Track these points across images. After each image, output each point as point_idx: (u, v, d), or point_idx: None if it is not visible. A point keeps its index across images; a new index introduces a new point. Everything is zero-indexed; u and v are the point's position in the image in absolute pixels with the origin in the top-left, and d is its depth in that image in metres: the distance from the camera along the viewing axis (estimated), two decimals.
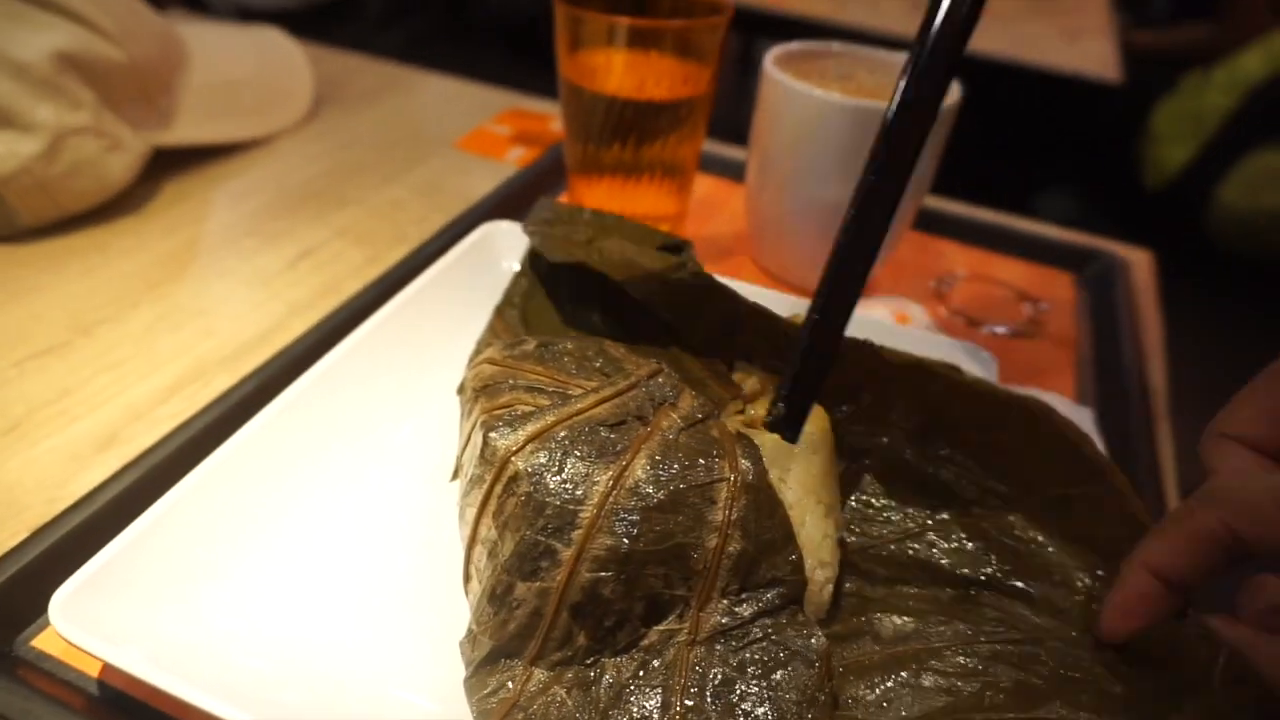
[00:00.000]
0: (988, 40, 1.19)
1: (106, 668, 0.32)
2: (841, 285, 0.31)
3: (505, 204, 0.61)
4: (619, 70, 0.52)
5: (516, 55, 1.17)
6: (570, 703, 0.27)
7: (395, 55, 0.94)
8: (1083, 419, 0.48)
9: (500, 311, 0.47)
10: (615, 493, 0.28)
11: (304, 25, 1.46)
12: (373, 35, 1.45)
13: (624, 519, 0.28)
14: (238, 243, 0.58)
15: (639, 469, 0.28)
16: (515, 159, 0.72)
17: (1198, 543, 0.25)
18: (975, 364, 0.44)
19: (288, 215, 0.62)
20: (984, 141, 1.65)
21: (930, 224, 0.65)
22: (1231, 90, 1.56)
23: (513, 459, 0.29)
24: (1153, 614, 0.27)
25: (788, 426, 0.33)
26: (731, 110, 0.78)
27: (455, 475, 0.37)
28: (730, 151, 0.72)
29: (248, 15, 1.42)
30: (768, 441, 0.31)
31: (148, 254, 0.56)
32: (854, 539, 0.35)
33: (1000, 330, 0.56)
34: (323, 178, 0.67)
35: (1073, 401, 0.50)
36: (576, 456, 0.29)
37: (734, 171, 0.69)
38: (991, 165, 1.54)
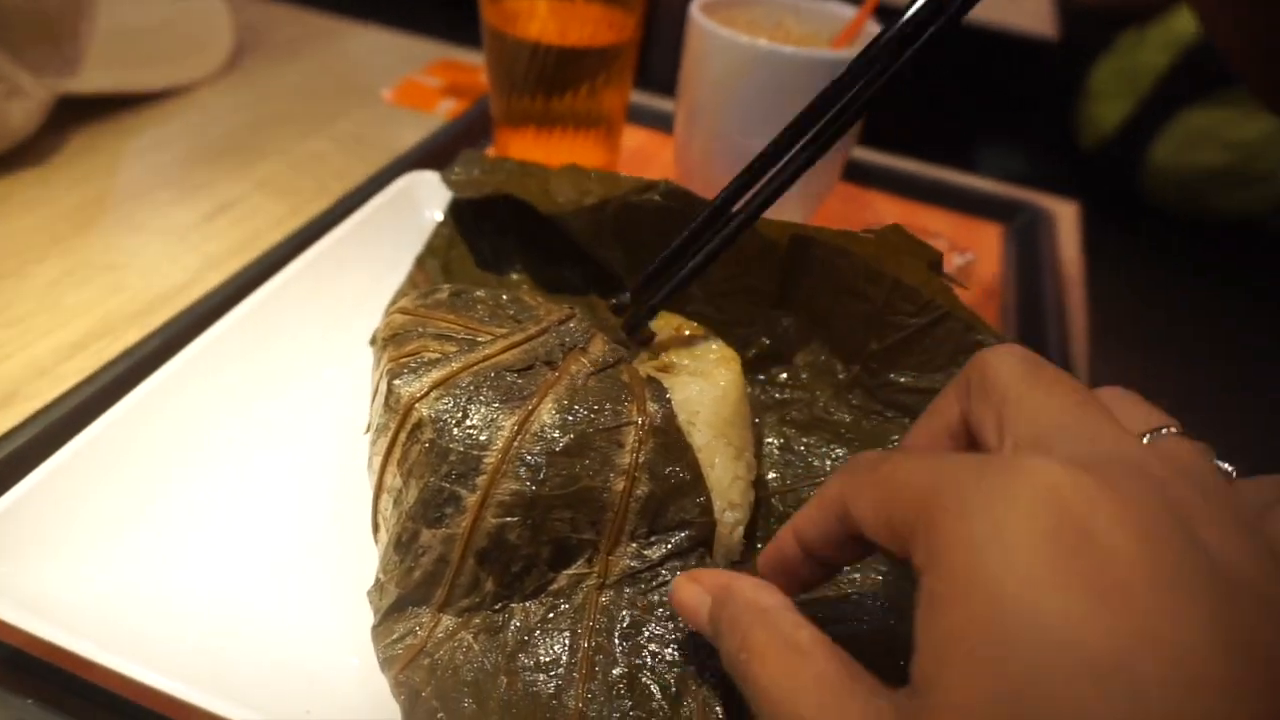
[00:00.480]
0: None
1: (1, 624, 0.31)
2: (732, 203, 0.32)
3: (432, 156, 0.60)
4: (542, 15, 0.51)
5: (451, 4, 1.14)
6: (477, 647, 0.27)
7: (324, 5, 0.91)
8: None
9: (421, 262, 0.46)
10: (520, 437, 0.28)
11: None
12: None
13: (529, 463, 0.27)
14: (151, 195, 0.56)
15: (545, 414, 0.28)
16: (445, 111, 0.70)
17: (823, 509, 0.23)
18: None
19: (205, 168, 0.60)
20: (924, 96, 1.66)
21: (862, 176, 0.66)
22: (1166, 49, 1.58)
23: (416, 405, 0.28)
24: (795, 579, 0.25)
25: (631, 326, 0.34)
26: (666, 61, 0.77)
27: (369, 428, 0.36)
28: (662, 103, 0.71)
29: None
30: (678, 385, 0.31)
31: (53, 207, 0.54)
32: (774, 480, 0.35)
33: None
34: (243, 129, 0.65)
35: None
36: (481, 402, 0.28)
37: (666, 124, 0.68)
38: (931, 120, 1.55)
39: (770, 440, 0.36)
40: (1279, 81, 0.53)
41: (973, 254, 0.59)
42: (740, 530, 0.31)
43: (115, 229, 0.53)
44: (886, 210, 0.63)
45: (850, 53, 0.50)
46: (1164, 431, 0.21)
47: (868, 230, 0.35)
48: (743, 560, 0.32)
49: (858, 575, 0.31)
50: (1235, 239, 1.60)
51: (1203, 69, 1.54)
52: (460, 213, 0.47)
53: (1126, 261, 1.58)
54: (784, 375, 0.38)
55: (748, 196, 0.34)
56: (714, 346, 0.33)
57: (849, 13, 0.54)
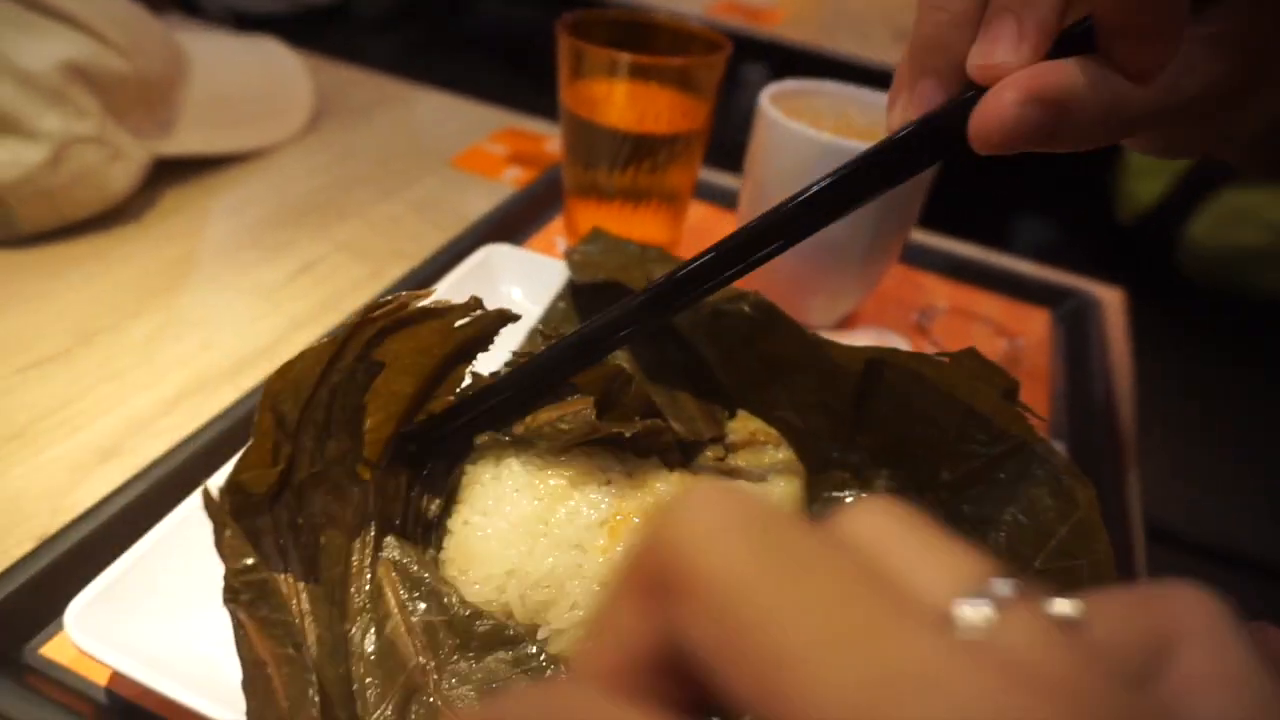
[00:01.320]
0: None
1: (115, 676, 0.32)
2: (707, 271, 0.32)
3: (503, 225, 0.62)
4: (619, 102, 0.54)
5: (511, 71, 1.18)
6: None
7: (387, 64, 0.95)
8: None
9: (533, 336, 0.47)
10: None
11: (294, 31, 1.46)
12: (364, 43, 1.46)
13: None
14: (237, 254, 0.59)
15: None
16: (511, 179, 0.73)
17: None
18: None
19: (287, 228, 0.63)
20: (961, 172, 1.68)
21: (914, 257, 0.68)
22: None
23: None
24: None
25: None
26: (730, 139, 0.80)
27: None
28: (720, 179, 0.74)
29: (240, 18, 1.43)
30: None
31: (147, 263, 0.57)
32: None
33: None
34: (321, 191, 0.68)
35: (1046, 436, 0.52)
36: None
37: (724, 199, 0.71)
38: (969, 196, 1.57)
39: None
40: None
41: (1022, 340, 0.61)
42: None
43: (204, 287, 0.56)
44: (937, 291, 0.65)
45: None
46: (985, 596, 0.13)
47: (942, 354, 0.36)
48: None
49: None
50: (1273, 317, 1.60)
51: None
52: (577, 292, 0.49)
53: (1167, 338, 1.58)
54: (853, 499, 0.39)
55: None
56: (780, 455, 0.35)
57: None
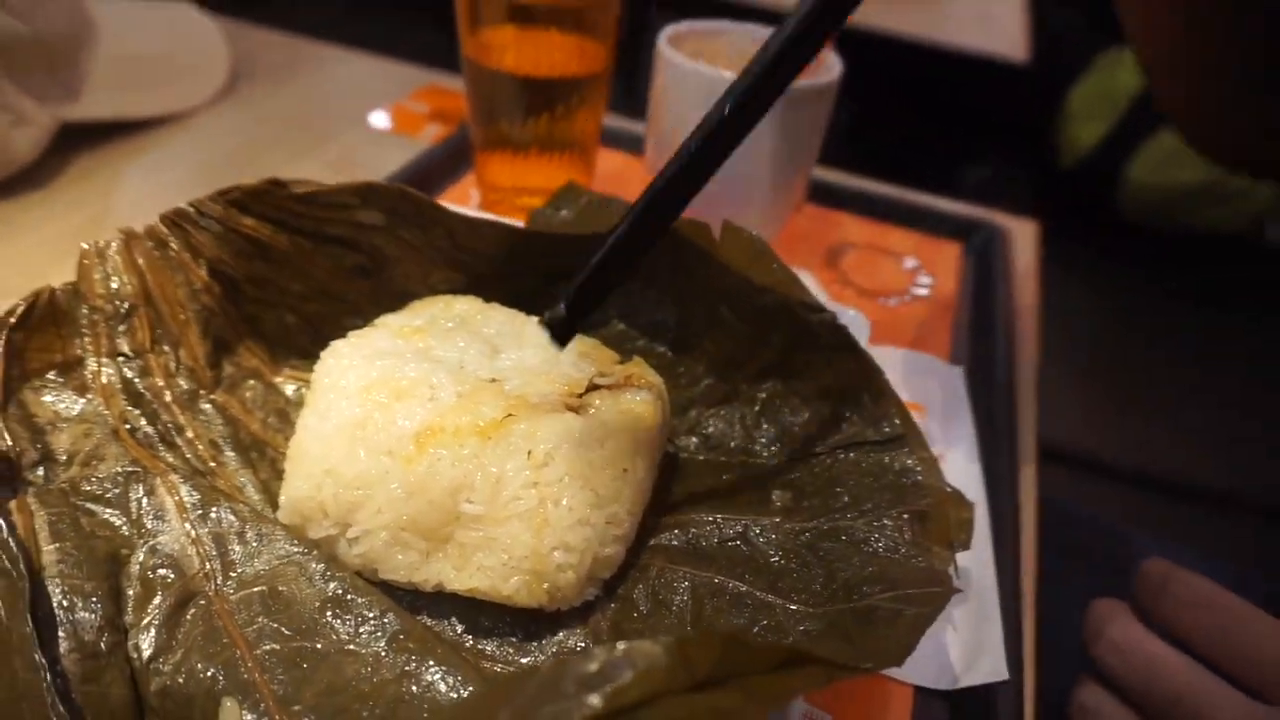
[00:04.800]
0: (904, 20, 1.22)
1: None
2: (653, 212, 0.35)
3: (415, 179, 0.63)
4: (517, 47, 0.54)
5: (442, 32, 1.17)
6: None
7: (318, 31, 0.94)
8: (953, 377, 0.52)
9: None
10: None
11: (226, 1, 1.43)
12: (297, 10, 1.44)
13: None
14: (148, 217, 0.59)
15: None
16: (431, 135, 0.73)
17: None
18: (851, 326, 0.47)
19: (200, 190, 0.62)
20: (903, 121, 1.69)
21: (830, 197, 0.69)
22: (1140, 71, 1.62)
23: None
24: None
25: (558, 331, 0.38)
26: (630, 82, 0.80)
27: None
28: (632, 125, 0.74)
29: None
30: (559, 425, 0.33)
31: (55, 228, 0.57)
32: (675, 541, 0.36)
33: (888, 298, 0.59)
34: (237, 153, 0.68)
35: (945, 361, 0.53)
36: None
37: (636, 145, 0.71)
38: (910, 146, 1.59)
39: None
40: (1214, 134, 0.56)
41: (931, 271, 0.62)
42: (570, 574, 0.31)
43: None
44: (853, 230, 0.66)
45: (807, 82, 0.53)
46: None
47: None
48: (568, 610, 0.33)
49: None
50: (1210, 253, 1.64)
51: None
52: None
53: (1097, 275, 1.61)
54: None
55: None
56: (637, 399, 0.35)
57: None
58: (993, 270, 0.62)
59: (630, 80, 0.62)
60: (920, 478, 0.36)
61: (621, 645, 0.24)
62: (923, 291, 0.60)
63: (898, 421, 0.38)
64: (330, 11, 1.50)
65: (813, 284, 0.58)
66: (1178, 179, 1.59)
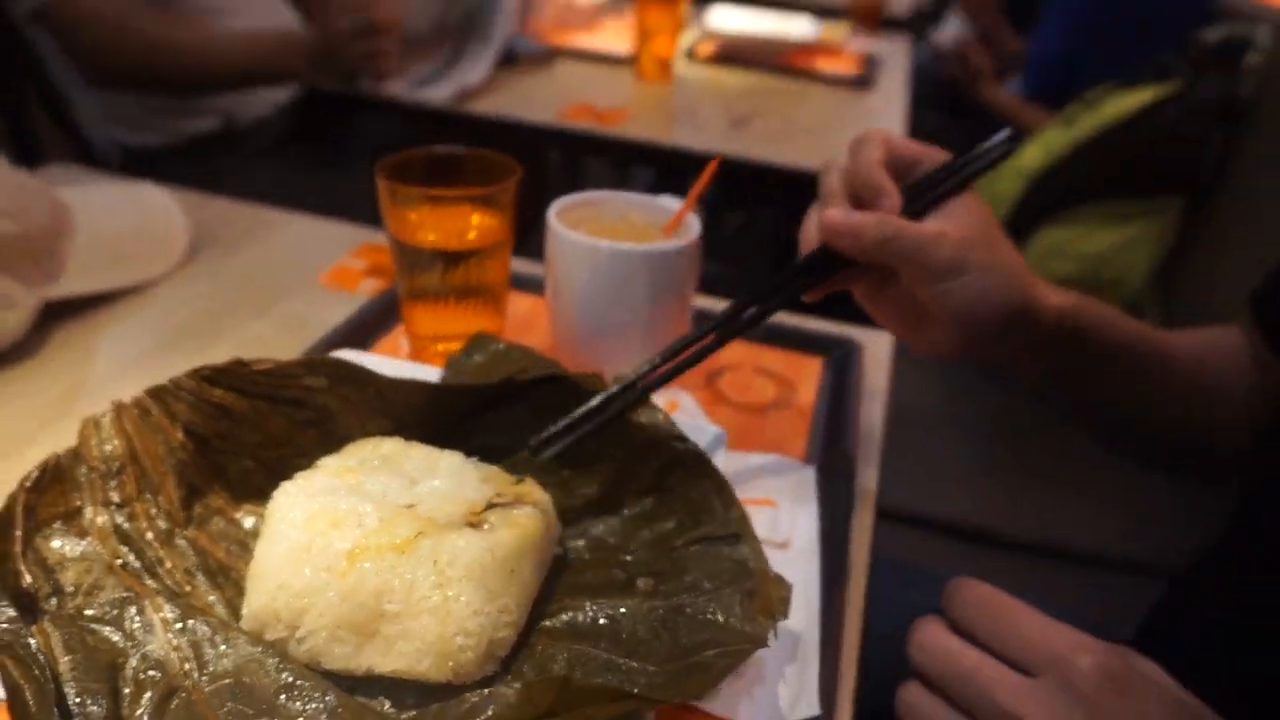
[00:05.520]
0: (799, 153, 1.38)
1: None
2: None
3: (354, 332, 0.74)
4: (432, 224, 0.66)
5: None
6: None
7: (272, 185, 1.05)
8: (806, 475, 0.63)
9: None
10: None
11: (185, 159, 1.56)
12: (250, 167, 1.57)
13: None
14: (123, 382, 0.69)
15: None
16: (370, 289, 0.84)
17: None
18: (712, 440, 0.58)
19: (168, 354, 0.73)
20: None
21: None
22: (1017, 179, 1.81)
23: None
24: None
25: (539, 449, 0.52)
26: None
27: None
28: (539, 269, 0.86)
29: (128, 151, 1.52)
30: (460, 539, 0.43)
31: (39, 398, 0.66)
32: (558, 624, 0.46)
33: (756, 411, 0.70)
34: (198, 317, 0.78)
35: (800, 462, 0.64)
36: None
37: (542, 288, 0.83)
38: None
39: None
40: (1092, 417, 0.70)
41: (797, 384, 0.74)
42: (471, 654, 0.40)
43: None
44: (730, 353, 0.77)
45: (673, 243, 0.66)
46: None
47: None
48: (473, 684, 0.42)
49: None
50: None
51: (1050, 194, 1.76)
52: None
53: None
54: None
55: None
56: (525, 514, 0.46)
57: (677, 205, 0.70)
58: (846, 381, 0.74)
59: (532, 234, 0.74)
60: (751, 564, 0.47)
61: (486, 690, 0.34)
62: (787, 402, 0.72)
63: (738, 521, 0.49)
64: (283, 164, 1.62)
65: (692, 403, 0.69)
66: (1057, 272, 1.76)
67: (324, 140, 1.66)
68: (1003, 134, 0.56)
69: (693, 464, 0.52)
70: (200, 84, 1.46)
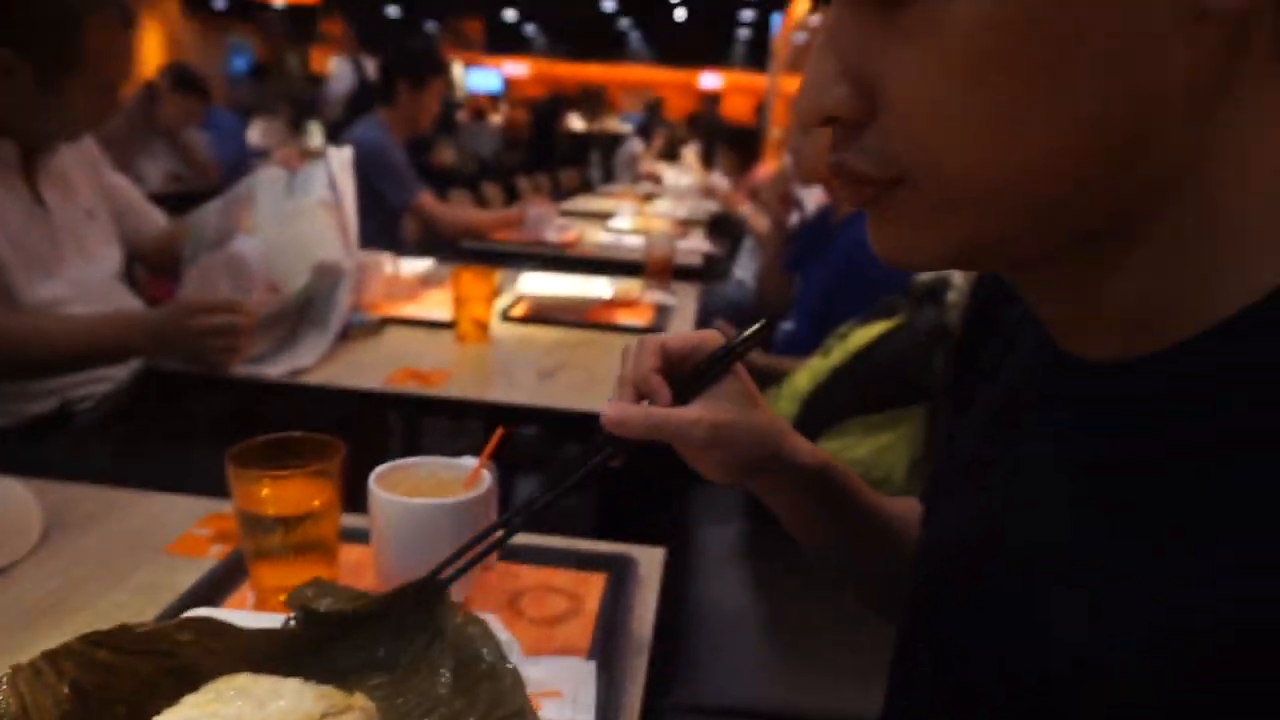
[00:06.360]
0: (593, 401, 1.62)
1: None
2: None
3: (205, 592, 0.86)
4: (273, 497, 0.82)
5: (217, 456, 1.43)
6: None
7: (111, 461, 1.17)
8: (588, 669, 0.79)
9: None
10: None
11: (19, 441, 1.63)
12: (86, 444, 1.65)
13: None
14: None
15: None
16: (216, 554, 0.97)
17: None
18: (505, 644, 0.74)
19: (27, 632, 0.82)
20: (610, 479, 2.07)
21: (514, 555, 0.98)
22: (794, 400, 2.12)
23: None
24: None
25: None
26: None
27: None
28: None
29: None
30: None
31: None
32: None
33: (551, 623, 0.87)
34: (56, 593, 0.88)
35: (583, 659, 0.81)
36: None
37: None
38: (627, 499, 1.95)
39: None
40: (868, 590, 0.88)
41: (584, 597, 0.91)
42: None
43: None
44: (528, 577, 0.95)
45: (469, 495, 0.84)
46: None
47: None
48: None
49: None
50: None
51: (818, 412, 2.08)
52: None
53: (796, 556, 1.98)
54: None
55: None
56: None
57: (473, 463, 0.89)
58: (624, 590, 0.92)
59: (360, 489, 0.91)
60: None
61: None
62: (576, 612, 0.89)
63: (526, 713, 0.64)
64: (117, 440, 1.71)
65: (496, 623, 0.85)
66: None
67: (162, 414, 1.77)
68: (756, 325, 0.75)
69: (504, 674, 0.66)
70: (42, 370, 1.55)
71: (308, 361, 1.62)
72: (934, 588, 0.61)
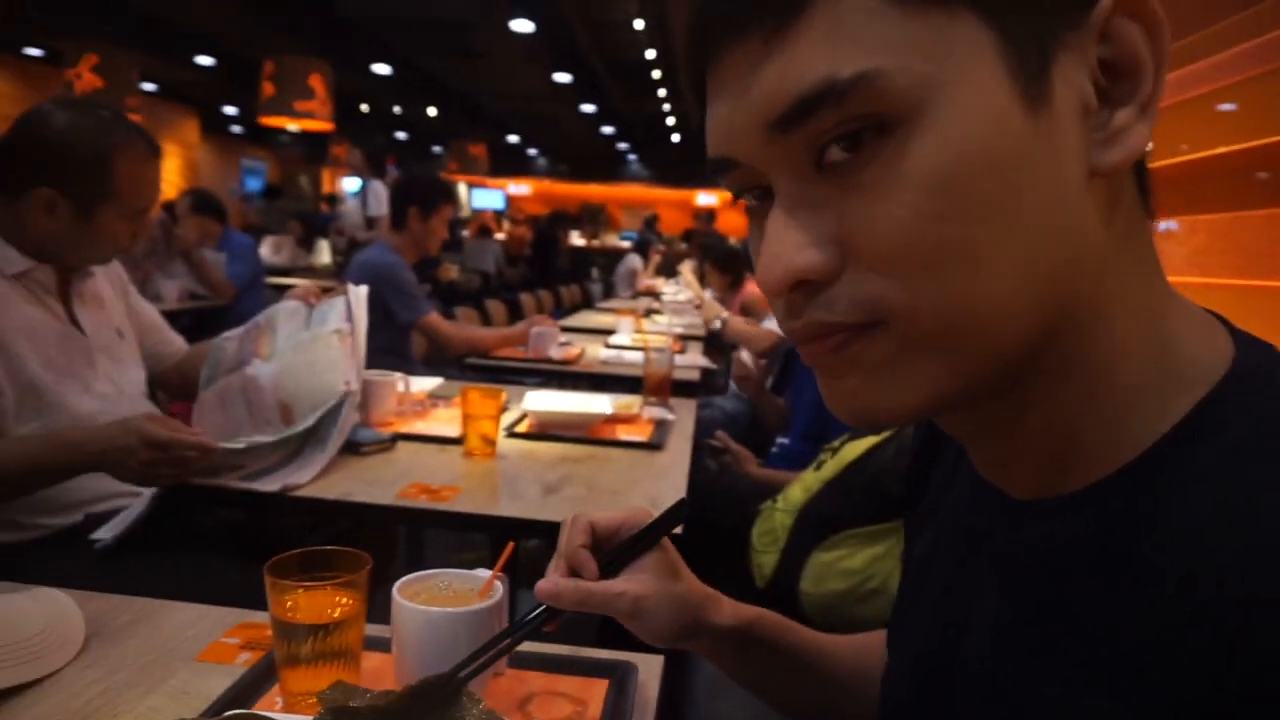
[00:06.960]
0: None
1: None
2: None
3: (237, 697, 0.93)
4: (305, 605, 0.90)
5: (239, 567, 1.51)
6: None
7: (132, 574, 1.23)
8: None
9: None
10: None
11: (39, 558, 1.70)
12: (106, 559, 1.71)
13: None
14: None
15: None
16: (244, 661, 1.04)
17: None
18: None
19: None
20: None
21: (522, 661, 1.05)
22: (789, 513, 2.20)
23: None
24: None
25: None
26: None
27: None
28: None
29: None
30: None
31: None
32: None
33: None
34: (99, 697, 0.95)
35: None
36: None
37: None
38: None
39: None
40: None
41: (590, 703, 0.98)
42: None
43: None
44: (536, 682, 1.02)
45: (482, 605, 0.92)
46: None
47: None
48: None
49: None
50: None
51: (813, 524, 2.15)
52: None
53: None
54: None
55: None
56: None
57: (485, 574, 0.97)
58: (625, 695, 0.99)
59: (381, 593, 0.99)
60: None
61: None
62: (580, 716, 0.95)
63: None
64: (136, 557, 1.78)
65: None
66: (832, 588, 2.11)
67: (177, 525, 1.84)
68: (676, 502, 0.87)
69: None
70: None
71: (304, 479, 1.69)
72: (899, 710, 0.68)
